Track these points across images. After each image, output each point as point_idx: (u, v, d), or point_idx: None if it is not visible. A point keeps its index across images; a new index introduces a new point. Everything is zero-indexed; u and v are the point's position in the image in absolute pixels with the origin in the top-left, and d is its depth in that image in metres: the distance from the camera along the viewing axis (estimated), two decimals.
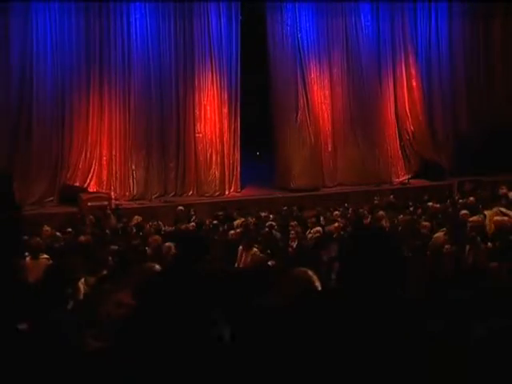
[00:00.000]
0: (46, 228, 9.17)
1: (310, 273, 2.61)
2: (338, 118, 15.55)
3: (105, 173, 13.92)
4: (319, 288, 2.52)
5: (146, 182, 14.18)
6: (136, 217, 11.18)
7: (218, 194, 14.58)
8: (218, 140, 14.75)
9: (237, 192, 14.83)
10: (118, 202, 13.41)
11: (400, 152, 15.97)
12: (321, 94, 15.43)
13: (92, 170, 13.84)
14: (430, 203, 10.92)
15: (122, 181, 14.06)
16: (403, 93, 16.04)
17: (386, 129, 15.93)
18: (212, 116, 14.76)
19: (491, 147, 14.81)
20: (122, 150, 14.10)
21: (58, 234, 9.14)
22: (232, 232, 8.94)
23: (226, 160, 14.79)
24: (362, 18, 15.69)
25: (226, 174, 14.77)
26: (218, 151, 14.75)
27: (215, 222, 10.61)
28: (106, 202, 12.89)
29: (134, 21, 14.06)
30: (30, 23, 13.21)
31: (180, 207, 12.43)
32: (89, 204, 12.61)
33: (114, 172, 14.00)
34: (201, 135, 14.63)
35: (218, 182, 14.69)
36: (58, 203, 13.28)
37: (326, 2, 15.32)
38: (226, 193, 14.72)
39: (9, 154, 13.00)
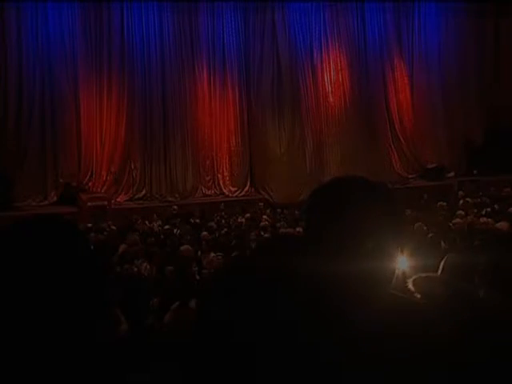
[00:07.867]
0: None
1: None
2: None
3: (105, 172, 13.95)
4: None
5: (146, 180, 14.17)
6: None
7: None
8: (225, 140, 14.73)
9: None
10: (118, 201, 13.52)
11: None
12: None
13: (92, 169, 13.87)
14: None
15: (123, 180, 14.09)
16: (398, 97, 15.86)
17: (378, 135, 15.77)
18: (221, 115, 14.73)
19: (489, 147, 14.72)
20: (123, 149, 14.10)
21: None
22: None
23: (233, 160, 14.76)
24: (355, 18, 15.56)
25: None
26: (224, 151, 14.74)
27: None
28: (105, 202, 12.95)
29: (134, 18, 14.03)
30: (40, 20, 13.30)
31: (174, 207, 12.51)
32: (88, 204, 12.67)
33: (114, 171, 14.01)
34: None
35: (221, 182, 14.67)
36: (57, 203, 13.33)
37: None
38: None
39: (8, 154, 13.09)
